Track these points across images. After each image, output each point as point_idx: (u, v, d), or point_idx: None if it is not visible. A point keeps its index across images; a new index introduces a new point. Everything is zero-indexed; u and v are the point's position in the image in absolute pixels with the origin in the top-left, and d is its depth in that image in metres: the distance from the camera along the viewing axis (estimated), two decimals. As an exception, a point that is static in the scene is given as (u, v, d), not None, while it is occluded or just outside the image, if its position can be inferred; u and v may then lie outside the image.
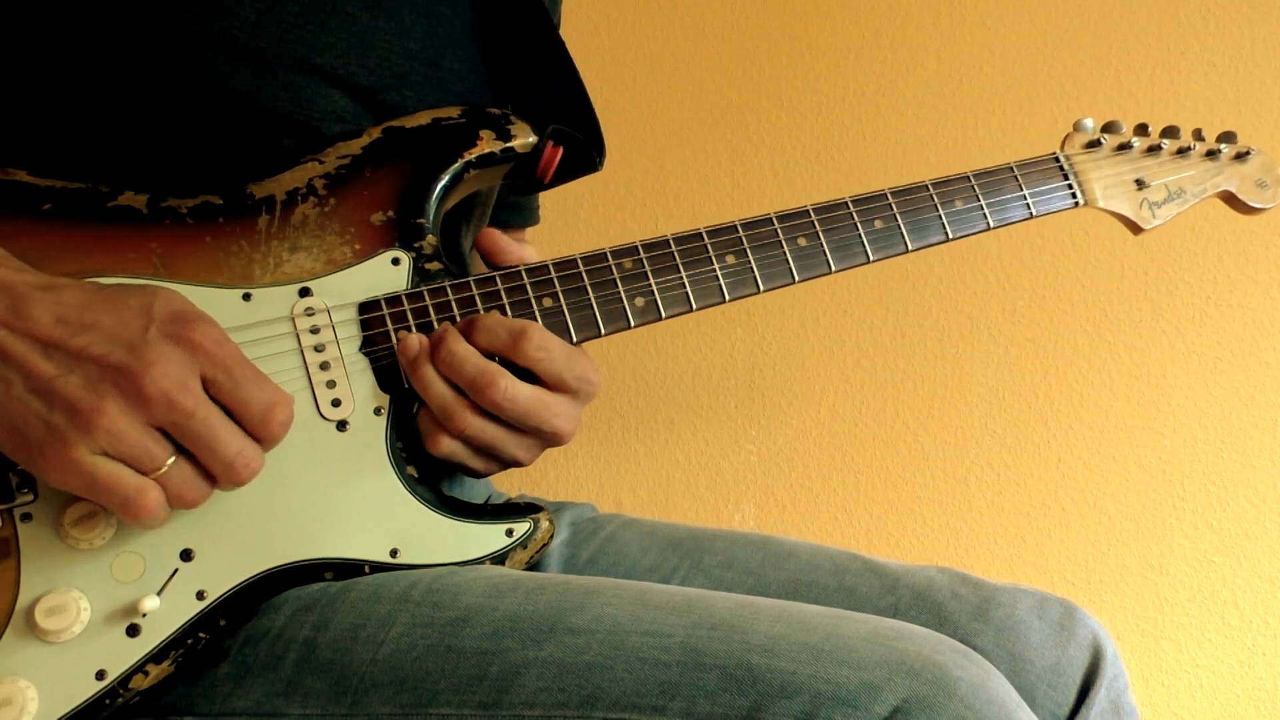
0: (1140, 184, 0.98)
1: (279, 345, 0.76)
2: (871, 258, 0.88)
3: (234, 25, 0.78)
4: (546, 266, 0.82)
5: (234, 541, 0.73)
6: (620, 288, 0.82)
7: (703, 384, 1.46)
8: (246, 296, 0.76)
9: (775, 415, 1.46)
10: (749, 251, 0.85)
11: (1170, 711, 1.43)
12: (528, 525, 0.79)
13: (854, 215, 0.88)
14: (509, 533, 0.78)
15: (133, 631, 0.71)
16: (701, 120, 1.46)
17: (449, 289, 0.80)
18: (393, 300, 0.79)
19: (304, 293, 0.77)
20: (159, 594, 0.71)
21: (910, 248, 0.89)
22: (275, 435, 0.70)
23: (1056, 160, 0.96)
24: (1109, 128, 0.98)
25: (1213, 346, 1.43)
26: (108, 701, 0.70)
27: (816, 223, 0.87)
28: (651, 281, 0.83)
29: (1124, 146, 0.98)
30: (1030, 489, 1.44)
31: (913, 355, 1.45)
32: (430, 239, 0.80)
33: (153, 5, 0.77)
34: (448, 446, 0.78)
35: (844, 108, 1.46)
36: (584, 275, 0.82)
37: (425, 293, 0.79)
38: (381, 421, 0.77)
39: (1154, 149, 0.98)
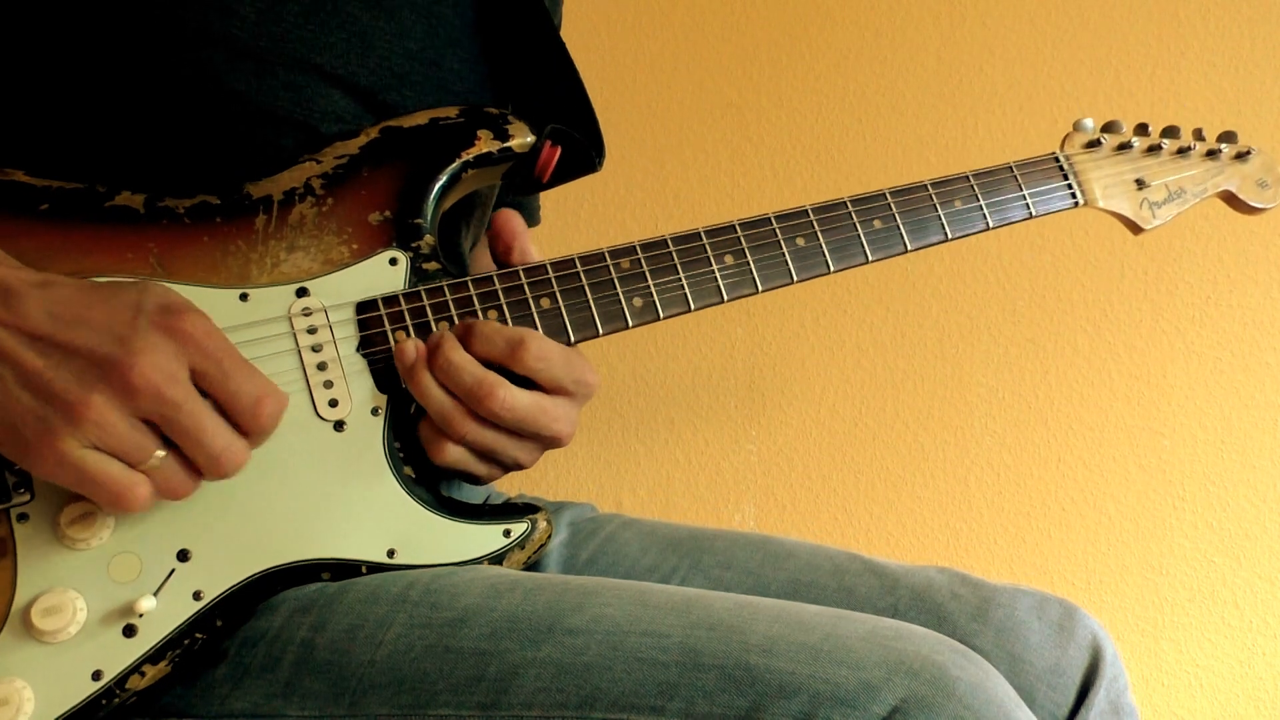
0: (1140, 184, 0.97)
1: (276, 345, 0.76)
2: (870, 258, 0.88)
3: (234, 24, 0.78)
4: (544, 267, 0.82)
5: (231, 542, 0.73)
6: (618, 288, 0.82)
7: (703, 384, 1.46)
8: (244, 296, 0.76)
9: (775, 415, 1.46)
10: (747, 252, 0.85)
11: (1170, 711, 1.43)
12: (525, 525, 0.79)
13: (853, 215, 0.88)
14: (507, 533, 0.78)
15: (129, 632, 0.71)
16: (701, 120, 1.46)
17: (446, 289, 0.79)
18: (390, 300, 0.78)
19: (301, 293, 0.77)
20: (156, 594, 0.71)
21: (909, 248, 0.89)
22: (265, 427, 0.70)
23: (1056, 160, 0.96)
24: (1109, 127, 0.98)
25: (1213, 346, 1.43)
26: (104, 702, 0.70)
27: (815, 223, 0.87)
28: (650, 282, 0.83)
29: (1124, 146, 0.98)
30: (1030, 489, 1.44)
31: (913, 355, 1.45)
32: (428, 239, 0.80)
33: (153, 4, 0.77)
34: (452, 454, 0.78)
35: (844, 108, 1.46)
36: (582, 276, 0.82)
37: (423, 293, 0.79)
38: (379, 422, 0.77)
39: (1154, 149, 0.98)
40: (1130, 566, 1.43)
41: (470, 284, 0.80)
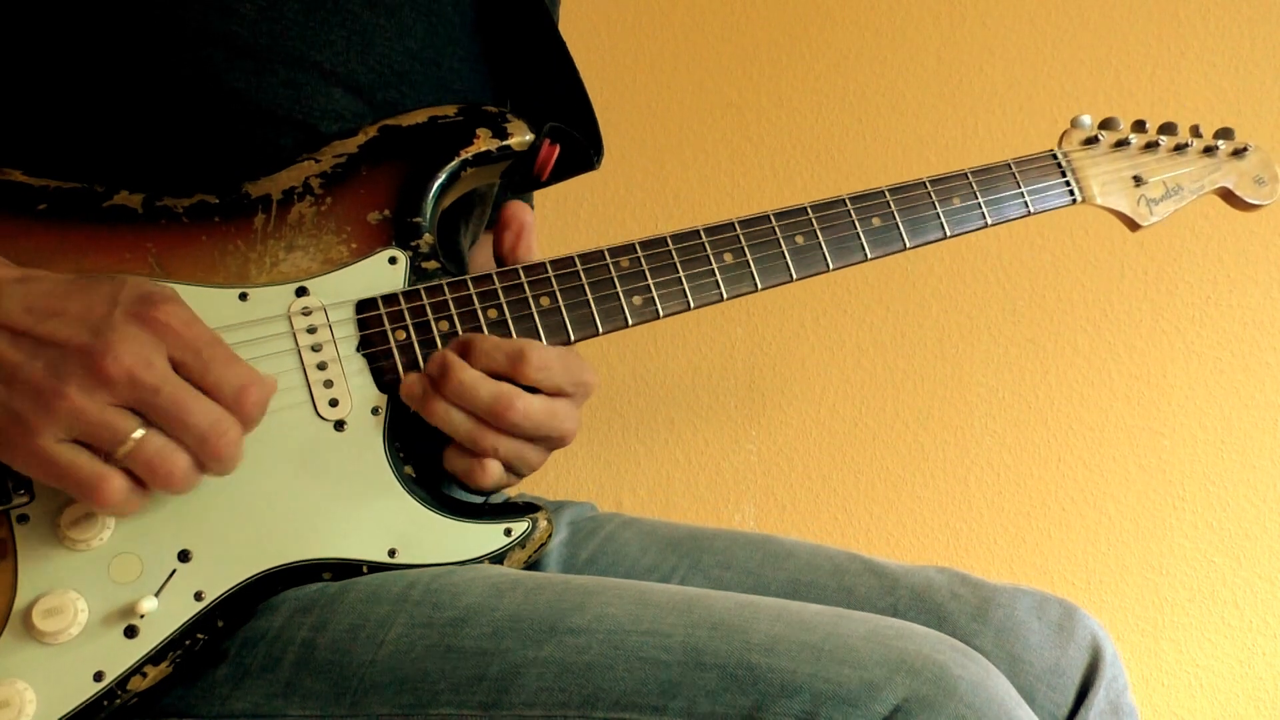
0: (1138, 180, 0.97)
1: (276, 345, 0.76)
2: (869, 255, 0.88)
3: (234, 22, 0.78)
4: (544, 265, 0.81)
5: (231, 542, 0.73)
6: (618, 287, 0.82)
7: (703, 384, 1.46)
8: (243, 296, 0.76)
9: (775, 415, 1.46)
10: (747, 250, 0.85)
11: (1170, 711, 1.43)
12: (526, 524, 0.79)
13: (852, 213, 0.88)
14: (507, 532, 0.78)
15: (130, 633, 0.70)
16: (701, 120, 1.46)
17: (446, 288, 0.79)
18: (390, 299, 0.78)
19: (301, 292, 0.77)
20: (157, 595, 0.71)
21: (908, 245, 0.89)
22: (251, 415, 0.69)
23: (1054, 157, 0.96)
24: (1106, 124, 0.98)
25: (1213, 346, 1.43)
26: (105, 703, 0.69)
27: (814, 221, 0.87)
28: (649, 280, 0.83)
29: (1121, 143, 0.98)
30: (1030, 489, 1.44)
31: (913, 355, 1.45)
32: (427, 238, 0.80)
33: (154, 3, 0.77)
34: (493, 474, 0.78)
35: (844, 108, 1.46)
36: (581, 274, 0.82)
37: (422, 292, 0.79)
38: (379, 421, 0.77)
39: (1151, 145, 0.98)
40: (1130, 566, 1.43)
41: (470, 283, 0.80)
